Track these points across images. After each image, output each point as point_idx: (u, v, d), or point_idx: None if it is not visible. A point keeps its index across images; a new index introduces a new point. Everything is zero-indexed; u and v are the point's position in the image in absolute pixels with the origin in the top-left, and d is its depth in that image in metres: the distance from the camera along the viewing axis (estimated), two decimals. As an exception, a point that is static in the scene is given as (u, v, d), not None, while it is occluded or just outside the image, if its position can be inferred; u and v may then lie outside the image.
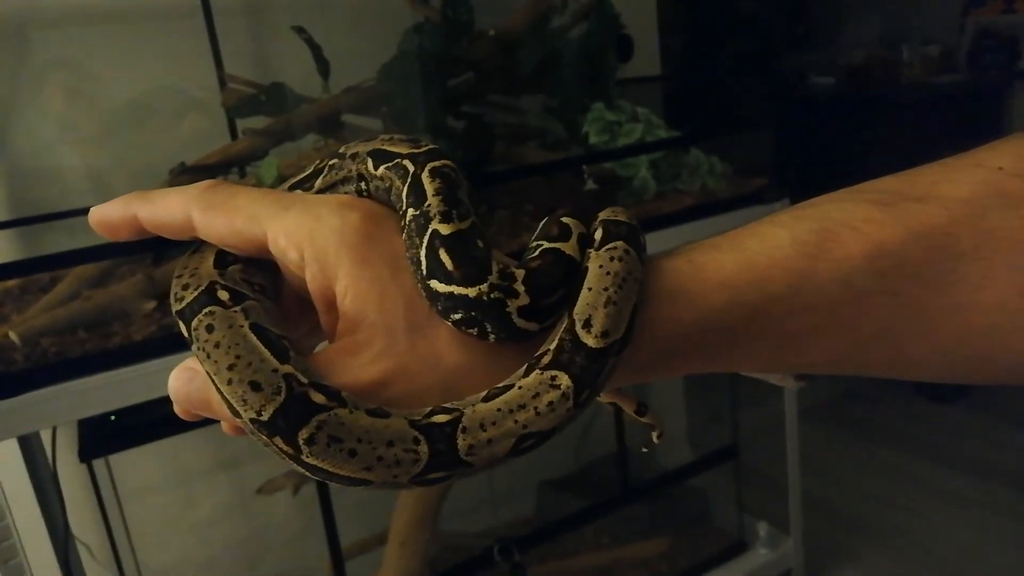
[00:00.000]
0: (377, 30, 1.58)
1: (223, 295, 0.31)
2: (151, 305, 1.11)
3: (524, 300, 0.30)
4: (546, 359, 0.31)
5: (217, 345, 0.30)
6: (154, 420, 1.08)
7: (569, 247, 0.32)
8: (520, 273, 0.31)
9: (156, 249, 1.22)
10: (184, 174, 1.27)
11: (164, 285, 1.15)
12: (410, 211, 0.32)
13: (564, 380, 0.30)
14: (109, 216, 0.33)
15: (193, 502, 1.67)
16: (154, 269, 1.19)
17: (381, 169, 0.34)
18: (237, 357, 0.29)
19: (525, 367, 0.31)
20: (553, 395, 0.30)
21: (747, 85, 2.07)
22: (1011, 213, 0.31)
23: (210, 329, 0.30)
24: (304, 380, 0.29)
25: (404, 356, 0.30)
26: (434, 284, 0.30)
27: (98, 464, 1.39)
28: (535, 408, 0.30)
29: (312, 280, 0.31)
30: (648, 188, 1.50)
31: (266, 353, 0.29)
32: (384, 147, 0.35)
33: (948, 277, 0.31)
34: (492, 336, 0.30)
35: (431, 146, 0.35)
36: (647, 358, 0.32)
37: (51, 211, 1.37)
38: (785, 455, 1.74)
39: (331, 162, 0.37)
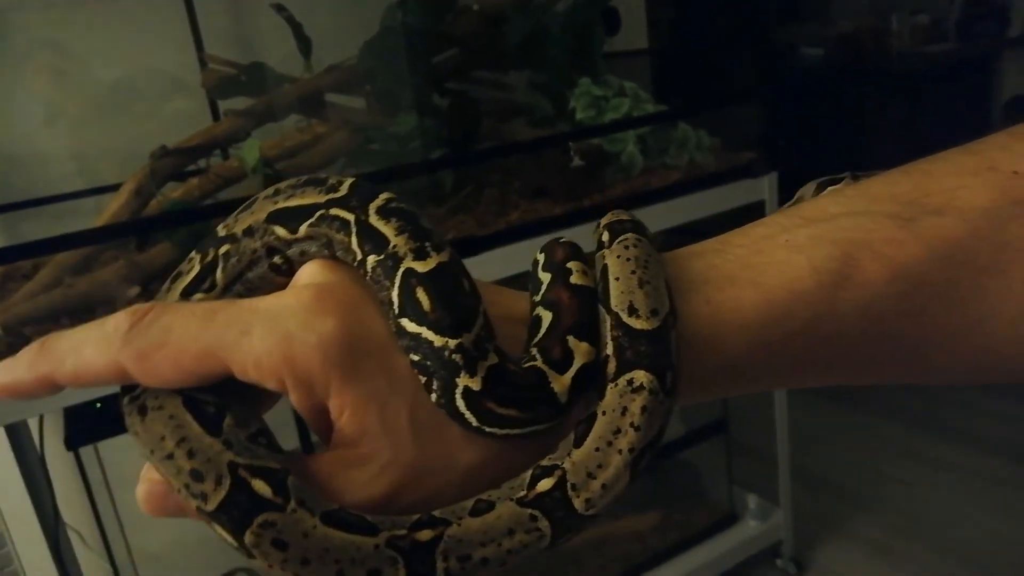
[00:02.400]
0: (359, 7, 1.56)
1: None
2: (135, 291, 1.10)
3: (475, 385, 0.27)
4: (611, 367, 0.28)
5: (150, 430, 0.27)
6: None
7: (559, 384, 0.28)
8: (492, 357, 0.28)
9: (139, 234, 1.21)
10: (165, 157, 1.25)
11: (148, 270, 1.14)
12: (371, 258, 0.28)
13: (641, 376, 0.28)
14: (17, 381, 0.28)
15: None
16: (138, 254, 1.18)
17: (304, 229, 0.30)
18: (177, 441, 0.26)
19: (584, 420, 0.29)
20: (641, 399, 0.28)
21: (735, 57, 2.06)
22: None
23: (143, 411, 0.27)
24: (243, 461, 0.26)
25: (414, 463, 0.28)
26: (404, 322, 0.27)
27: (87, 450, 1.38)
28: (631, 424, 0.28)
29: (298, 402, 0.28)
30: (636, 163, 1.49)
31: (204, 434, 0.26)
32: (284, 204, 0.30)
33: (969, 292, 0.31)
34: (434, 396, 0.28)
35: (350, 180, 0.30)
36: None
37: (31, 197, 1.35)
38: (774, 428, 1.75)
39: (222, 250, 0.31)
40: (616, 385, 0.28)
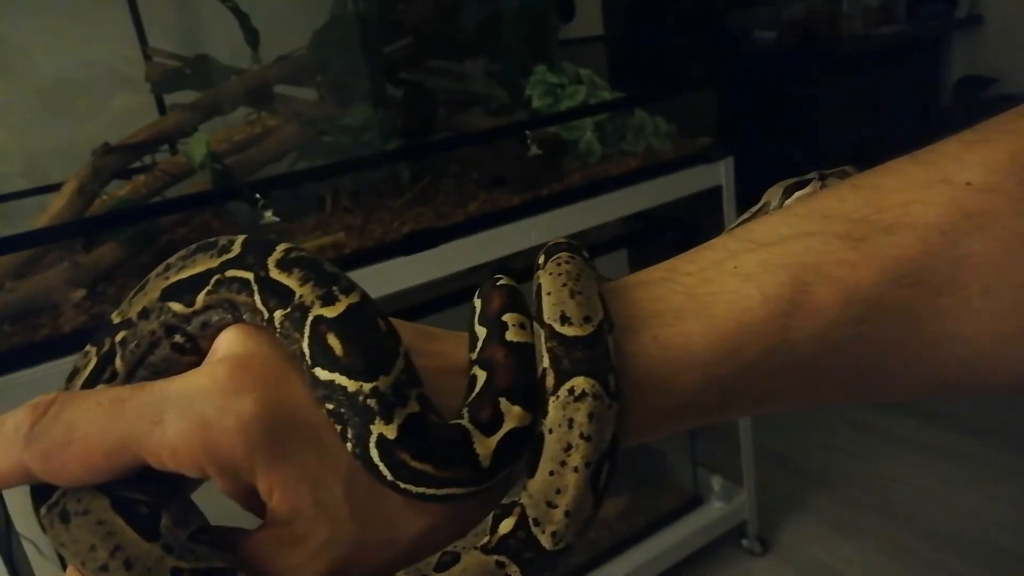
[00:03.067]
0: (308, -5, 1.52)
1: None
2: (80, 293, 1.06)
3: (390, 433, 0.25)
4: (550, 381, 0.27)
5: (78, 540, 0.25)
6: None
7: (483, 446, 0.26)
8: (413, 405, 0.26)
9: (86, 234, 1.17)
10: (109, 154, 1.21)
11: (94, 272, 1.11)
12: (278, 313, 0.26)
13: (582, 382, 0.26)
14: None
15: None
16: (83, 255, 1.14)
17: (201, 299, 0.28)
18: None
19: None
20: (585, 406, 0.26)
21: (690, 43, 2.06)
22: (983, 235, 0.29)
23: (65, 518, 0.25)
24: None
25: (355, 539, 0.26)
26: (317, 371, 0.26)
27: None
28: (580, 435, 0.26)
29: (223, 487, 0.26)
30: (593, 151, 1.48)
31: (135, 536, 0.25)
32: (177, 278, 0.28)
33: (926, 312, 0.30)
34: (348, 446, 0.26)
35: (242, 238, 0.28)
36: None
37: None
38: (738, 411, 1.77)
39: (118, 338, 0.29)
40: (557, 398, 0.27)
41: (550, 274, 0.30)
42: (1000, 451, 2.11)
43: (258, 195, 1.08)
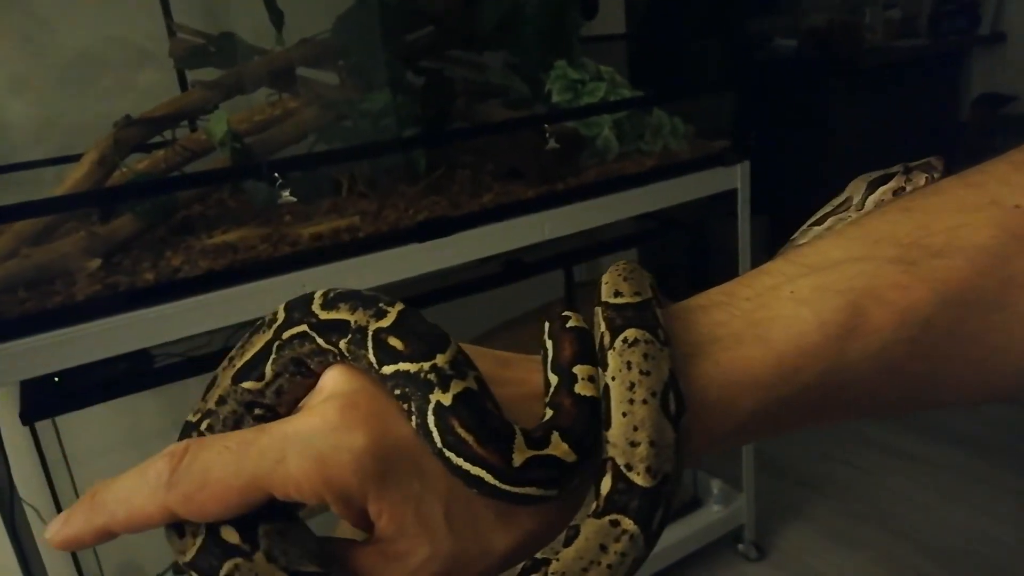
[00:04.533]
0: (334, -21, 1.52)
1: (230, 536, 0.28)
2: (95, 263, 1.07)
3: (446, 400, 0.28)
4: (606, 340, 0.30)
5: None
6: (99, 382, 1.05)
7: (520, 451, 0.29)
8: (471, 381, 0.29)
9: (102, 205, 1.18)
10: (130, 127, 1.22)
11: (110, 243, 1.12)
12: (342, 343, 0.30)
13: (632, 332, 0.30)
14: (74, 535, 0.29)
15: (148, 463, 1.64)
16: (100, 226, 1.15)
17: (269, 370, 0.32)
18: None
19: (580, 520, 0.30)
20: (635, 353, 0.29)
21: (711, 46, 2.06)
22: None
23: None
24: None
25: (452, 554, 0.29)
26: (385, 370, 0.29)
27: (45, 425, 1.35)
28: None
29: (339, 511, 0.29)
30: (611, 148, 1.48)
31: None
32: (241, 362, 0.32)
33: (977, 330, 0.31)
34: (412, 419, 0.29)
35: (282, 305, 0.32)
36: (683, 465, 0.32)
37: (-11, 164, 1.31)
38: (740, 415, 1.76)
39: (203, 427, 0.32)
40: (614, 349, 0.30)
41: (609, 272, 0.33)
42: (999, 468, 2.11)
43: (276, 175, 1.09)
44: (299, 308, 0.31)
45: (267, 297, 1.08)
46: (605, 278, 0.33)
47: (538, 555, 0.29)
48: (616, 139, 1.49)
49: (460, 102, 1.51)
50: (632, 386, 0.29)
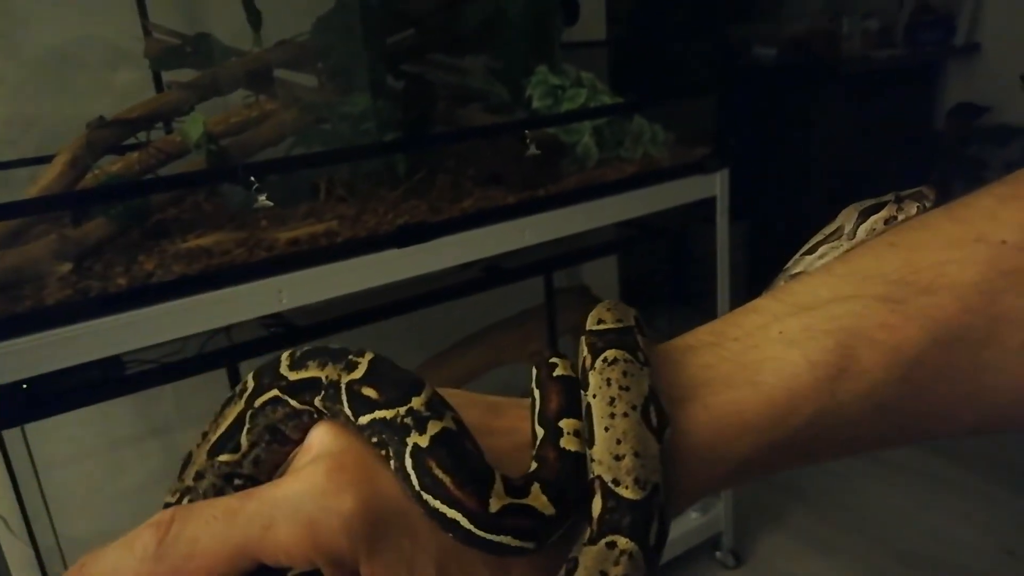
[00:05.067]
0: (313, -19, 1.51)
1: None
2: (66, 267, 1.05)
3: (423, 442, 0.28)
4: (587, 363, 0.30)
5: None
6: (70, 388, 1.02)
7: (497, 496, 0.28)
8: (449, 421, 0.29)
9: (76, 208, 1.15)
10: (103, 128, 1.19)
11: (82, 246, 1.09)
12: (317, 400, 0.30)
13: (613, 352, 0.30)
14: None
15: (122, 470, 1.61)
16: (71, 229, 1.12)
17: (244, 440, 0.32)
18: None
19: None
20: (615, 371, 0.30)
21: (691, 54, 2.07)
22: (1020, 291, 0.31)
23: None
24: None
25: None
26: (362, 420, 0.29)
27: (13, 433, 1.32)
28: None
29: (330, 574, 0.29)
30: (591, 155, 1.48)
31: None
32: (215, 438, 0.32)
33: (967, 366, 0.31)
34: (391, 463, 0.29)
35: (251, 374, 0.32)
36: (673, 511, 0.31)
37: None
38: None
39: (184, 503, 0.32)
40: (595, 368, 0.30)
41: (595, 308, 0.33)
42: (975, 476, 2.13)
43: (252, 178, 1.07)
44: (267, 373, 0.31)
45: (242, 303, 1.07)
46: (591, 313, 0.33)
47: None
48: (596, 146, 1.49)
49: (441, 106, 1.50)
50: (612, 400, 0.29)
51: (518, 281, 1.48)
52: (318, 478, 0.28)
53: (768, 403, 0.30)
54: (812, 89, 3.06)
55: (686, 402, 0.31)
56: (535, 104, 1.48)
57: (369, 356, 0.30)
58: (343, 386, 0.29)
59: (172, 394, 1.58)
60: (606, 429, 0.29)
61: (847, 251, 0.35)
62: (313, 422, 0.31)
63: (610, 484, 0.28)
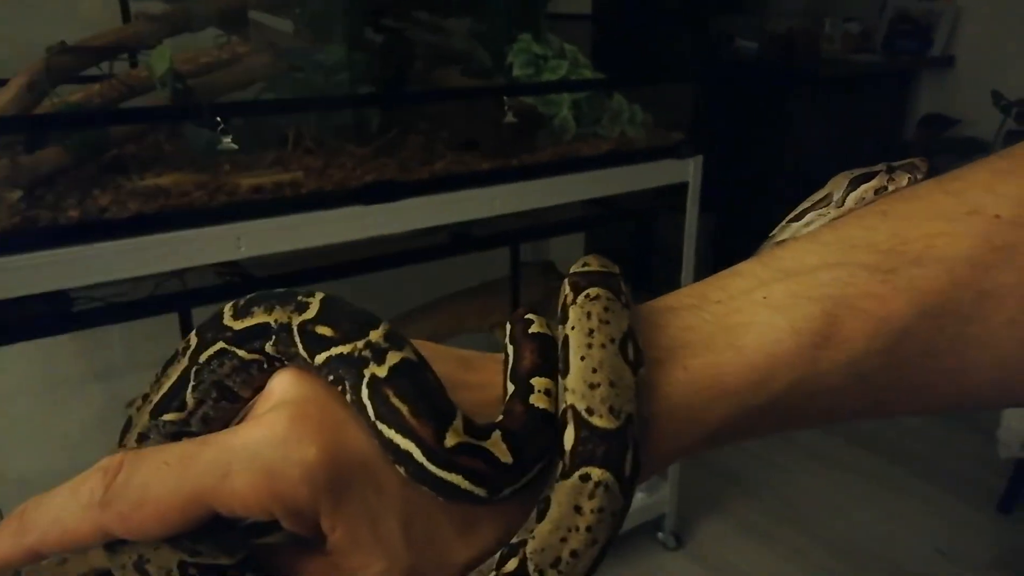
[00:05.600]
0: (296, -77, 1.46)
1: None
2: (16, 195, 1.00)
3: (381, 372, 0.27)
4: (569, 299, 0.30)
5: None
6: (13, 320, 0.99)
7: (454, 434, 0.27)
8: (410, 352, 0.28)
9: (30, 133, 1.10)
10: (64, 53, 1.14)
11: (34, 174, 1.05)
12: (267, 346, 0.29)
13: (595, 291, 0.30)
14: (6, 557, 0.27)
15: (65, 411, 1.57)
16: (24, 156, 1.07)
17: (189, 397, 0.30)
18: None
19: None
20: (596, 306, 0.29)
21: (675, 37, 2.06)
22: (1011, 268, 0.30)
23: None
24: None
25: (409, 567, 0.28)
26: (317, 357, 0.28)
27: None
28: (581, 525, 0.27)
29: (288, 526, 0.28)
30: (568, 128, 1.47)
31: None
32: (157, 399, 0.30)
33: (952, 341, 0.31)
34: (348, 397, 0.28)
35: (193, 331, 0.30)
36: (649, 471, 0.30)
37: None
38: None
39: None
40: (576, 303, 0.30)
41: (582, 258, 0.33)
42: (911, 475, 2.19)
43: (219, 119, 1.03)
44: (211, 327, 0.30)
45: (198, 247, 1.04)
46: (578, 261, 0.33)
47: (513, 539, 0.28)
48: (574, 120, 1.47)
49: (419, 65, 1.47)
50: (591, 332, 0.28)
51: (485, 250, 1.46)
52: (279, 426, 0.27)
53: (748, 367, 0.30)
54: (790, 86, 3.07)
55: (665, 363, 0.30)
56: (516, 72, 1.45)
57: (320, 295, 0.29)
58: (295, 327, 0.28)
59: (120, 338, 1.54)
60: (582, 359, 0.28)
61: (835, 219, 0.34)
62: (264, 372, 0.30)
63: (583, 413, 0.27)
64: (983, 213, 0.31)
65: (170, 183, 1.08)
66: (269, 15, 1.31)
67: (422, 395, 0.27)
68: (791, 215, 0.36)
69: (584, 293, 0.30)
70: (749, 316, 0.31)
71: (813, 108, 3.08)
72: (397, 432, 0.26)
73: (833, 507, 2.08)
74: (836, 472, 2.21)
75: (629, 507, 0.28)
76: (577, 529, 0.27)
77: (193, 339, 0.30)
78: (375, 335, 0.27)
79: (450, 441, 0.26)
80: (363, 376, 0.27)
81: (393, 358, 0.27)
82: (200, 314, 1.14)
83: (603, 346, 0.28)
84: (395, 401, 0.26)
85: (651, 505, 1.85)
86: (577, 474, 0.27)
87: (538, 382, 0.29)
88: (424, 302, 1.61)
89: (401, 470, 0.27)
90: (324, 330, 0.28)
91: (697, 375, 0.30)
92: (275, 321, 0.28)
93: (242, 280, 1.13)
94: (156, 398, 0.30)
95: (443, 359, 0.30)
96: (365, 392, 0.27)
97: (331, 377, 0.28)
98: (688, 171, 1.57)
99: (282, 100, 1.27)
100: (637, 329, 0.29)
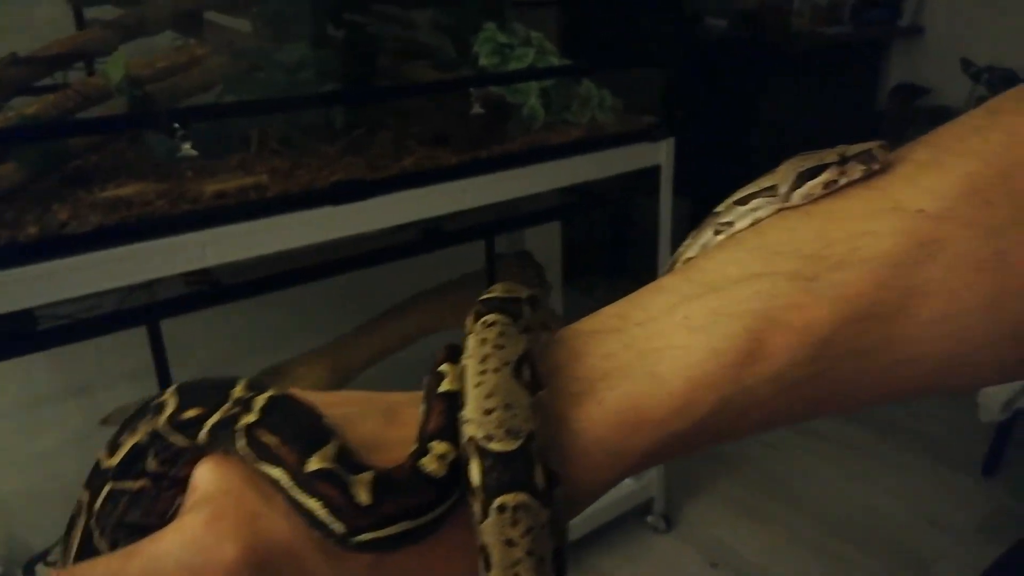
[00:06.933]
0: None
1: None
2: (-29, 213, 0.97)
3: (253, 418, 0.28)
4: (469, 327, 0.30)
5: None
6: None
7: (322, 457, 0.27)
8: (273, 391, 0.29)
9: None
10: (16, 65, 1.11)
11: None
12: (200, 438, 0.29)
13: (493, 317, 0.30)
14: None
15: (41, 430, 1.54)
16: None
17: (97, 506, 0.30)
18: None
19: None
20: (491, 332, 0.29)
21: (644, 20, 2.04)
22: (935, 263, 0.30)
23: None
24: None
25: None
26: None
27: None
28: (521, 554, 0.27)
29: None
30: (537, 117, 1.45)
31: None
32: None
33: (878, 341, 0.30)
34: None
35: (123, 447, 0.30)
36: (568, 508, 0.29)
37: None
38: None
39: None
40: (474, 332, 0.30)
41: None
42: (899, 449, 2.21)
43: (177, 124, 1.01)
44: (94, 476, 0.30)
45: (164, 257, 1.01)
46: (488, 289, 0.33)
47: None
48: (543, 108, 1.45)
49: (384, 60, 1.44)
50: (485, 358, 0.28)
51: (458, 244, 1.44)
52: (197, 529, 0.27)
53: (668, 395, 0.29)
54: (761, 63, 3.07)
55: (582, 396, 0.29)
56: (482, 62, 1.43)
57: (172, 389, 0.30)
58: (161, 428, 0.29)
59: (92, 353, 1.52)
60: (476, 386, 0.28)
61: (824, 182, 0.33)
62: (158, 488, 0.30)
63: (482, 442, 0.27)
64: (906, 208, 0.30)
65: (132, 193, 1.05)
66: (226, 15, 1.28)
67: (289, 423, 0.27)
68: (737, 196, 0.35)
69: (482, 320, 0.30)
70: (668, 339, 0.30)
71: (785, 83, 3.08)
72: (267, 463, 0.27)
73: (822, 482, 2.09)
74: (823, 446, 2.22)
75: (562, 510, 0.27)
76: (520, 561, 0.26)
77: (84, 495, 0.31)
78: (237, 391, 0.28)
79: (313, 465, 0.26)
80: (238, 430, 0.27)
81: (260, 401, 0.28)
82: (169, 325, 1.12)
83: (496, 370, 0.28)
84: (266, 437, 0.27)
85: (639, 490, 1.86)
86: (494, 507, 0.26)
87: (436, 446, 0.29)
88: (398, 300, 1.59)
89: (317, 535, 0.27)
90: (191, 413, 0.28)
91: (614, 407, 0.29)
92: (145, 435, 0.29)
93: (211, 288, 1.10)
94: (68, 563, 0.30)
95: (367, 416, 0.30)
96: (242, 443, 0.27)
97: (225, 450, 0.28)
98: (660, 154, 1.56)
99: (243, 102, 1.24)
100: (536, 352, 0.29)
